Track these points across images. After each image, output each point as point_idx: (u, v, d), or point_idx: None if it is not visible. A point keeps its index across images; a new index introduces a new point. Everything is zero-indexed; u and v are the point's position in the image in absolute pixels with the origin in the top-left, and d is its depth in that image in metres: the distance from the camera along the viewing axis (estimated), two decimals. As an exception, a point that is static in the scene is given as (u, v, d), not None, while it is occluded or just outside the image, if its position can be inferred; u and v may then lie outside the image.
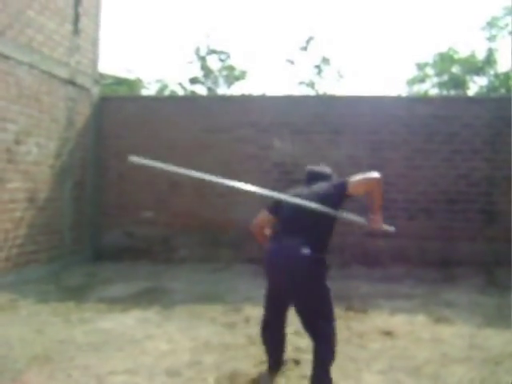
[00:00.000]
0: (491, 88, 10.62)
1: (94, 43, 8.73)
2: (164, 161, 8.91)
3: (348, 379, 3.78)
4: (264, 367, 3.88)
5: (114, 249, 8.83)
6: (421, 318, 5.43)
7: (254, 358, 4.10)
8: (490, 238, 8.31)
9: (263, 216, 3.78)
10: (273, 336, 3.74)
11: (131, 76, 12.71)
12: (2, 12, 6.43)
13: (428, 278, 7.53)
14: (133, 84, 12.02)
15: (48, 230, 7.57)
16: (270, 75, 22.55)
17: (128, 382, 3.67)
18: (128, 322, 5.23)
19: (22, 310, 5.70)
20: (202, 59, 11.42)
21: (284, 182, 7.98)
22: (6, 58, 6.51)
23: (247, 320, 5.25)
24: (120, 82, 12.58)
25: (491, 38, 10.75)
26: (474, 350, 4.44)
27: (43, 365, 4.02)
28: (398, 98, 8.97)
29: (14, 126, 6.74)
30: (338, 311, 5.54)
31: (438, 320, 5.36)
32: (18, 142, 6.80)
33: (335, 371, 3.73)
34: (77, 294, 6.44)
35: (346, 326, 5.10)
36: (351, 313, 5.57)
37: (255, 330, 4.77)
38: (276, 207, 3.70)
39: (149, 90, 12.30)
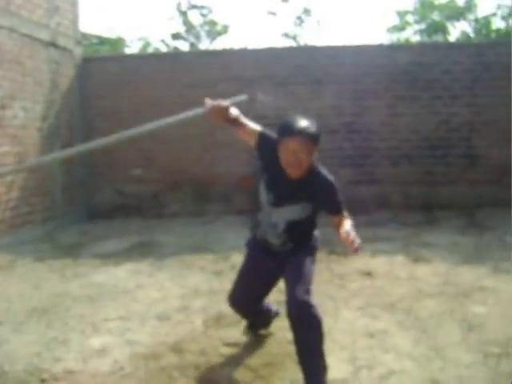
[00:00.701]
0: (473, 33, 10.67)
1: (73, 3, 8.69)
2: (148, 117, 9.04)
3: (327, 316, 4.01)
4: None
5: (106, 207, 9.04)
6: (400, 259, 5.71)
7: (240, 301, 4.36)
8: (472, 181, 8.56)
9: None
10: None
11: (113, 35, 12.70)
12: (-22, -24, 6.42)
13: (411, 222, 7.79)
14: (115, 43, 11.98)
15: (40, 191, 7.74)
16: (252, 28, 22.34)
17: (121, 327, 3.93)
18: (121, 274, 5.48)
19: (20, 268, 5.93)
20: (184, 14, 11.37)
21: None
22: (-15, 22, 6.54)
23: (234, 267, 5.47)
24: (103, 41, 12.54)
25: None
26: (447, 286, 4.72)
27: (41, 316, 4.27)
28: (379, 47, 9.02)
29: (-1, 91, 6.82)
30: (321, 255, 5.84)
31: (416, 260, 5.64)
32: (3, 107, 6.89)
33: (315, 309, 4.02)
34: (71, 251, 6.67)
35: (328, 268, 5.38)
36: (333, 256, 5.84)
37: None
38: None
39: (132, 49, 12.28)
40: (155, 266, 5.78)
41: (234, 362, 3.29)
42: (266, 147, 2.92)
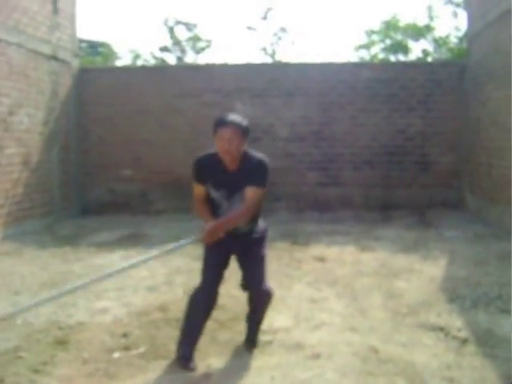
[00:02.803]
0: (433, 51, 11.85)
1: (72, 20, 9.69)
2: (138, 123, 9.96)
3: (282, 289, 5.08)
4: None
5: (98, 204, 10.02)
6: (350, 248, 6.78)
7: (214, 278, 5.40)
8: (424, 184, 9.69)
9: None
10: None
11: (106, 41, 13.75)
12: (-8, 0, 7.39)
13: (368, 219, 8.88)
14: (108, 55, 12.98)
15: (40, 189, 8.70)
16: (234, 43, 23.81)
17: (118, 295, 4.96)
18: (115, 258, 6.49)
19: (26, 254, 6.89)
20: (171, 30, 12.44)
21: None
22: (-2, 40, 7.51)
23: (211, 253, 6.53)
24: (94, 45, 13.50)
25: (430, 8, 11.93)
26: (383, 268, 5.81)
27: (52, 288, 5.25)
28: (344, 64, 10.15)
29: (8, 100, 7.78)
30: (285, 245, 6.92)
31: (364, 249, 6.72)
32: (11, 114, 7.85)
33: (274, 283, 5.06)
34: (70, 241, 7.64)
35: (289, 255, 6.43)
36: (296, 246, 6.90)
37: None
38: None
39: (122, 61, 13.26)
40: (143, 252, 6.74)
41: (206, 317, 4.32)
42: (201, 169, 3.50)
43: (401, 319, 4.25)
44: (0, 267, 6.23)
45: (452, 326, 4.02)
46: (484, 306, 4.41)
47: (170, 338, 3.91)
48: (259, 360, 3.53)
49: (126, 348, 3.76)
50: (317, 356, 3.55)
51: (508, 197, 7.42)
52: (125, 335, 3.97)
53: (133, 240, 7.60)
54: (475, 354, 3.55)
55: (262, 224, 3.69)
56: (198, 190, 3.57)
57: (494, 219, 7.99)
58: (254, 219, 3.59)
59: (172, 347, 3.75)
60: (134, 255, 6.62)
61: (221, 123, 3.34)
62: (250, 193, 3.37)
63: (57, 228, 8.67)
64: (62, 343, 3.85)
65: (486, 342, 3.71)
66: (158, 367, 3.47)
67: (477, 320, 4.13)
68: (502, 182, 7.77)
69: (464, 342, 3.73)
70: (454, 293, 4.83)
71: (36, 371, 3.41)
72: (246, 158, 3.42)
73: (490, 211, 8.24)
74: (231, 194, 3.47)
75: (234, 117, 3.37)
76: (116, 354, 3.66)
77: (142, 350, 3.72)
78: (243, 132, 3.35)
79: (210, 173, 3.48)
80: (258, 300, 3.66)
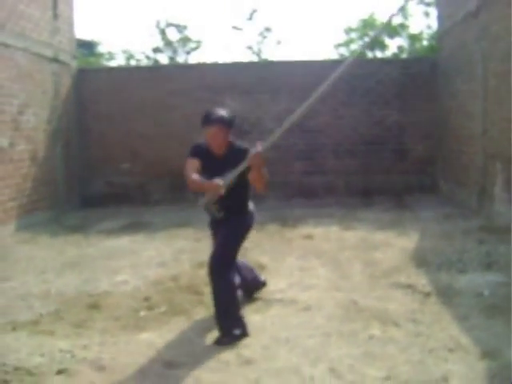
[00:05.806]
0: (408, 48, 12.71)
1: (70, 24, 10.35)
2: (135, 120, 10.64)
3: (276, 261, 5.88)
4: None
5: (98, 196, 10.72)
6: (334, 228, 7.58)
7: (215, 254, 6.17)
8: (401, 171, 10.53)
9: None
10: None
11: (96, 39, 14.44)
12: (2, 9, 8.03)
13: (350, 204, 9.67)
14: (101, 55, 13.66)
15: (46, 182, 9.37)
16: (222, 42, 24.80)
17: (134, 271, 5.70)
18: (123, 242, 7.23)
19: (42, 242, 7.58)
20: (162, 32, 13.15)
21: (234, 133, 9.97)
22: (7, 46, 8.16)
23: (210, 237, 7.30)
24: (82, 44, 14.13)
25: (403, 7, 12.72)
26: (362, 243, 6.61)
27: (73, 267, 5.99)
28: (324, 61, 10.89)
29: (17, 101, 8.44)
30: (276, 227, 7.68)
31: (346, 228, 7.52)
32: (20, 113, 8.52)
33: (268, 258, 5.86)
34: (78, 229, 8.34)
35: (280, 235, 7.22)
36: (285, 227, 7.69)
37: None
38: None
39: (116, 61, 13.92)
40: (148, 237, 7.54)
41: (212, 284, 5.08)
42: (197, 151, 3.92)
43: (376, 281, 5.06)
44: (21, 253, 6.94)
45: (418, 283, 4.84)
46: (446, 269, 5.25)
47: (185, 300, 4.69)
48: (261, 313, 4.31)
49: (149, 308, 4.52)
50: (308, 308, 4.35)
51: (474, 180, 8.28)
52: (146, 299, 4.73)
53: (136, 227, 8.32)
54: (435, 302, 4.37)
55: (248, 209, 4.02)
56: (194, 163, 3.84)
57: (463, 201, 8.85)
58: (227, 208, 3.91)
59: (187, 306, 4.52)
60: (141, 239, 7.40)
61: (206, 121, 3.75)
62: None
63: (63, 219, 9.35)
64: (94, 307, 4.60)
65: (445, 293, 4.55)
66: (179, 321, 4.24)
67: (439, 278, 4.96)
68: (469, 166, 8.63)
69: (427, 294, 4.55)
70: (422, 260, 5.66)
71: (79, 326, 4.17)
72: (231, 147, 3.86)
73: (460, 194, 9.10)
74: (216, 177, 3.65)
75: (218, 114, 3.75)
76: (142, 313, 4.42)
77: (163, 309, 4.49)
78: (227, 126, 3.79)
79: (201, 158, 3.84)
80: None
